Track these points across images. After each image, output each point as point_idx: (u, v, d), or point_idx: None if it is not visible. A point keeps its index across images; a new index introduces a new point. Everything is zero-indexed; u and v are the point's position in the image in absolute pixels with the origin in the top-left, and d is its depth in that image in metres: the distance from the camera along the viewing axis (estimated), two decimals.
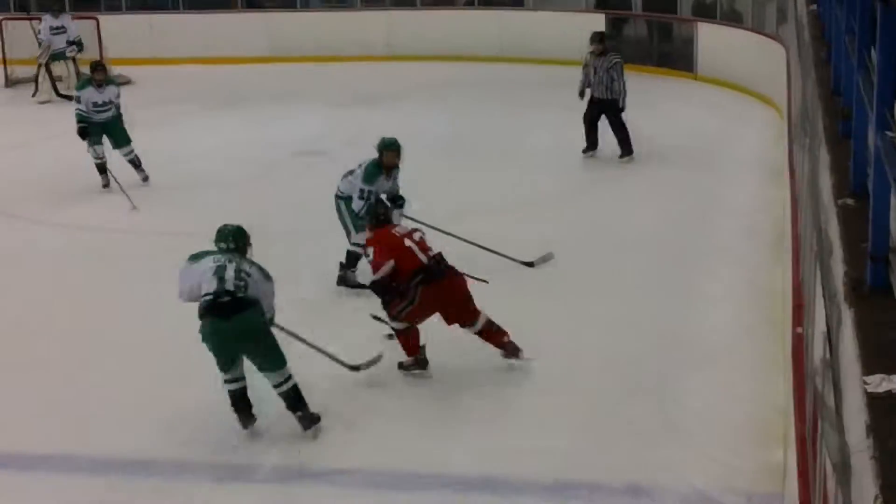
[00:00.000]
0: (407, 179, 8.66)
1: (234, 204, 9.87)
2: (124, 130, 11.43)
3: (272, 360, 6.20)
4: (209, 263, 6.16)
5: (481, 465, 5.96)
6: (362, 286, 7.61)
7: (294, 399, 6.26)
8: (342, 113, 15.08)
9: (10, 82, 17.46)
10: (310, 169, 11.77)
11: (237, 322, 6.04)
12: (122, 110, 11.46)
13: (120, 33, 18.37)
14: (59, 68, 16.61)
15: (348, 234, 8.44)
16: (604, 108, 12.08)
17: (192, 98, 16.59)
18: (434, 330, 6.95)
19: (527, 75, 17.40)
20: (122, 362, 7.26)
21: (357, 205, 8.22)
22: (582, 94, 12.23)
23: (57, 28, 16.55)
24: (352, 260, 8.40)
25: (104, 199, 11.03)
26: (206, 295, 6.06)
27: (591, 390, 6.72)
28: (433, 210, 8.90)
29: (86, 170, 11.39)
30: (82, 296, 8.53)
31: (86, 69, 17.22)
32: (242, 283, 6.10)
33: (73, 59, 16.68)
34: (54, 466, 6.15)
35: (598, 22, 18.03)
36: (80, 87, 11.57)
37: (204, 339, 6.09)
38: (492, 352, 6.97)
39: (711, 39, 16.71)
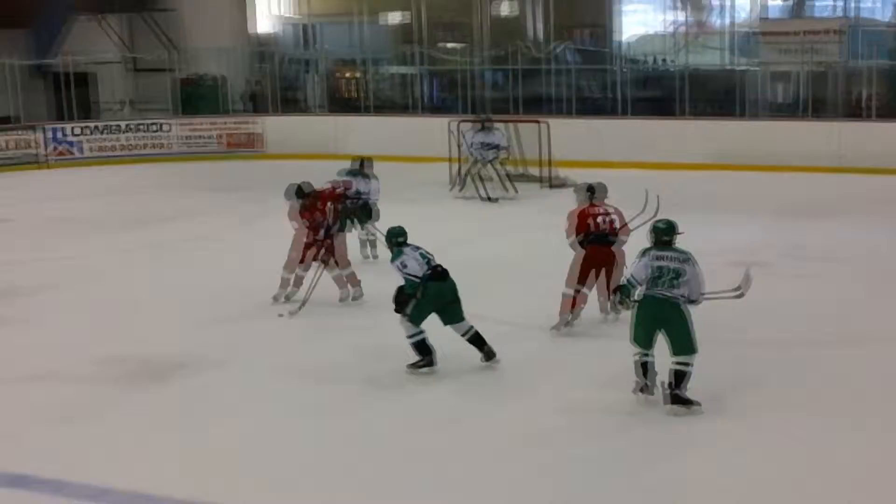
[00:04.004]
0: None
1: None
2: (369, 214, 12.56)
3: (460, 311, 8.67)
4: (414, 254, 8.59)
5: None
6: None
7: (478, 340, 8.71)
8: (784, 223, 14.65)
9: (459, 181, 18.45)
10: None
11: (450, 282, 8.61)
12: (376, 199, 12.81)
13: (567, 137, 19.11)
14: (486, 171, 17.73)
15: (692, 345, 7.74)
16: None
17: (629, 202, 16.75)
18: None
19: None
20: None
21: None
22: None
23: (486, 144, 17.53)
24: (680, 378, 7.69)
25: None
26: (427, 271, 8.53)
27: None
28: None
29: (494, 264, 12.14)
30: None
31: (521, 170, 18.52)
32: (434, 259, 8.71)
33: (500, 163, 17.69)
34: None
35: None
36: (347, 174, 12.85)
37: (423, 298, 8.45)
38: None
39: None
